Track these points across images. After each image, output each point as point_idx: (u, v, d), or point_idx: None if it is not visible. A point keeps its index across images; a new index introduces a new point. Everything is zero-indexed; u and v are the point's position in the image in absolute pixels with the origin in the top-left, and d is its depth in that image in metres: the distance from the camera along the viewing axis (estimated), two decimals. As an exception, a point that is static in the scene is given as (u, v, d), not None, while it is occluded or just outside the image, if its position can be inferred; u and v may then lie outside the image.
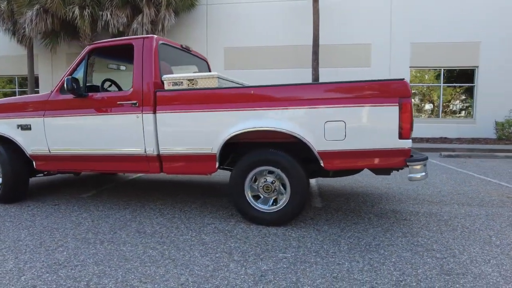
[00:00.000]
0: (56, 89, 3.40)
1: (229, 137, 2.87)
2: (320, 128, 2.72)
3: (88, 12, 10.25)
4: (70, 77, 3.09)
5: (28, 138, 3.47)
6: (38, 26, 10.48)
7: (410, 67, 12.13)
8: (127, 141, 3.15)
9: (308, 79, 11.82)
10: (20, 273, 2.15)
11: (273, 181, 2.95)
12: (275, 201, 2.99)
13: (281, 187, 2.96)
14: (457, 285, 2.00)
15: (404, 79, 2.65)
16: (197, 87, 3.03)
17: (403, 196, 4.04)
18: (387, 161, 2.72)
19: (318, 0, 11.46)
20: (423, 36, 11.85)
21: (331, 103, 2.70)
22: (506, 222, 3.10)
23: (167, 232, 2.86)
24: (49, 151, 3.42)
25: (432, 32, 11.74)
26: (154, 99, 3.07)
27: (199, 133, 2.97)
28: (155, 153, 3.12)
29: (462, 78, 12.10)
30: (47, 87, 13.41)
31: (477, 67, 11.70)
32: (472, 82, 11.91)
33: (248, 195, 2.98)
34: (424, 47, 11.90)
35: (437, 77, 12.41)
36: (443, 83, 12.21)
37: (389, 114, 2.63)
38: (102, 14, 10.48)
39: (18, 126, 3.49)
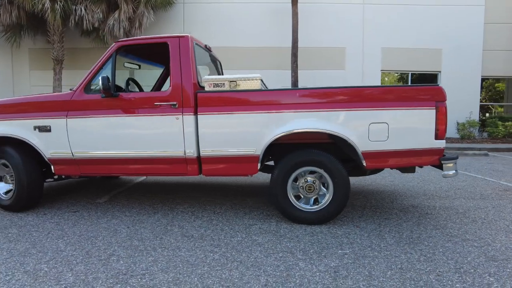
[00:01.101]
0: (80, 88, 3.19)
1: (275, 138, 2.92)
2: (364, 129, 2.87)
3: (60, 5, 9.57)
4: (105, 75, 2.93)
5: (47, 141, 3.23)
6: (2, 18, 9.58)
7: (381, 70, 12.87)
8: (165, 143, 3.06)
9: (288, 81, 12.07)
10: (87, 285, 2.03)
11: (314, 181, 3.05)
12: (315, 201, 3.09)
13: (322, 187, 3.06)
14: (508, 270, 2.24)
15: (439, 85, 2.89)
16: (239, 89, 3.03)
17: (412, 192, 4.34)
18: (423, 160, 2.94)
19: (297, 4, 11.76)
20: (392, 41, 12.64)
21: (375, 106, 2.86)
22: (513, 213, 3.48)
23: (215, 234, 2.83)
24: (72, 155, 3.21)
25: (401, 38, 12.56)
26: (195, 100, 3.03)
27: (243, 134, 2.98)
28: (195, 155, 3.07)
29: (427, 82, 13.07)
30: (7, 84, 12.30)
31: (440, 72, 12.73)
32: (436, 86, 12.93)
33: (291, 195, 3.05)
34: (393, 52, 12.70)
35: (405, 80, 13.30)
36: (410, 86, 13.09)
37: (427, 116, 2.85)
38: (75, 8, 9.85)
39: (35, 127, 3.23)
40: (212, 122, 3.00)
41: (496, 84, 15.60)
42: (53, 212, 3.45)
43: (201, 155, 3.06)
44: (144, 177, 5.26)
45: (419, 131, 2.88)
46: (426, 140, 2.88)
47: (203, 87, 3.13)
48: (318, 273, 2.19)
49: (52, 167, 3.30)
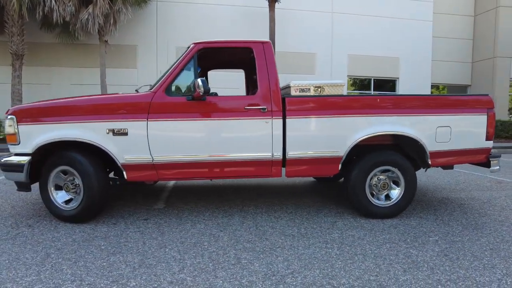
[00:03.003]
0: (161, 89, 3.08)
1: (359, 140, 3.18)
2: (433, 132, 3.28)
3: (27, -5, 8.63)
4: (204, 78, 2.90)
5: (122, 145, 3.05)
6: (-47, 5, 8.32)
7: (347, 75, 13.87)
8: (254, 146, 3.13)
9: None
10: None
11: (385, 179, 3.37)
12: (386, 197, 3.41)
13: (392, 184, 3.40)
14: None
15: (488, 95, 3.42)
16: (324, 94, 3.23)
17: (432, 187, 4.93)
18: (475, 158, 3.45)
19: (274, 9, 12.13)
20: (357, 49, 13.72)
21: (442, 112, 3.28)
22: (522, 200, 4.21)
23: (313, 232, 2.99)
24: (152, 159, 3.08)
25: (365, 46, 13.69)
26: (283, 104, 3.14)
27: (328, 137, 3.18)
28: (281, 157, 3.18)
29: (387, 87, 14.44)
30: None
31: (398, 78, 14.16)
32: (395, 91, 14.35)
33: (368, 193, 3.33)
34: (358, 59, 13.78)
35: (358, 85, 14.52)
36: (373, 90, 14.35)
37: (480, 121, 3.37)
38: (45, -1, 8.96)
39: (109, 130, 3.03)
40: (299, 125, 3.15)
41: (432, 90, 17.75)
42: (120, 220, 3.26)
43: (287, 157, 3.19)
44: (174, 181, 5.10)
45: (474, 133, 3.38)
46: (479, 141, 3.39)
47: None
48: (434, 258, 2.50)
49: (124, 172, 3.13)
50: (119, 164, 3.09)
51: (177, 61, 3.23)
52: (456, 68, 14.74)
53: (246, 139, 3.13)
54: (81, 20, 9.58)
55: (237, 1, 12.79)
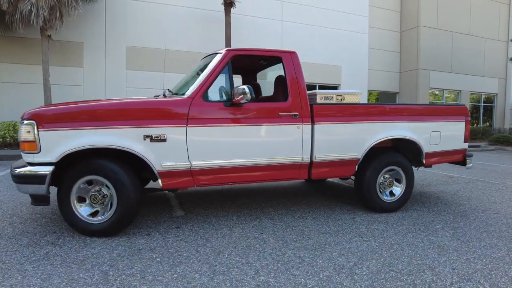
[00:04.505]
0: (198, 95, 3.06)
1: (374, 144, 3.58)
2: (428, 136, 3.85)
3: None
4: (250, 86, 2.96)
5: (160, 151, 2.94)
6: None
7: (296, 81, 14.66)
8: (286, 150, 3.31)
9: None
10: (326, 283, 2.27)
11: (390, 177, 3.85)
12: (390, 193, 3.88)
13: (395, 182, 3.89)
14: (529, 224, 3.58)
15: (465, 105, 4.13)
16: (344, 102, 3.56)
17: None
18: (455, 157, 4.15)
19: (230, 14, 12.27)
20: (305, 56, 14.51)
21: (434, 119, 3.88)
22: (481, 190, 5.12)
23: (342, 229, 3.29)
24: (191, 165, 3.04)
25: (311, 54, 14.63)
26: (311, 111, 3.38)
27: (350, 141, 3.53)
28: (309, 160, 3.42)
29: (331, 93, 15.61)
30: None
31: (340, 85, 15.45)
32: (337, 97, 15.60)
33: (378, 190, 3.75)
34: (305, 66, 14.55)
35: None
36: (319, 96, 15.39)
37: (460, 126, 4.06)
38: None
39: (146, 136, 2.90)
40: (325, 130, 3.44)
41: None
42: (151, 231, 3.12)
43: (314, 160, 3.43)
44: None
45: (455, 137, 4.06)
46: (459, 143, 4.09)
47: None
48: (452, 242, 3.00)
49: (159, 180, 3.02)
50: (156, 172, 2.98)
51: (209, 66, 3.22)
52: (387, 77, 16.69)
53: (280, 143, 3.29)
54: (21, 11, 8.48)
55: (192, 3, 12.62)
